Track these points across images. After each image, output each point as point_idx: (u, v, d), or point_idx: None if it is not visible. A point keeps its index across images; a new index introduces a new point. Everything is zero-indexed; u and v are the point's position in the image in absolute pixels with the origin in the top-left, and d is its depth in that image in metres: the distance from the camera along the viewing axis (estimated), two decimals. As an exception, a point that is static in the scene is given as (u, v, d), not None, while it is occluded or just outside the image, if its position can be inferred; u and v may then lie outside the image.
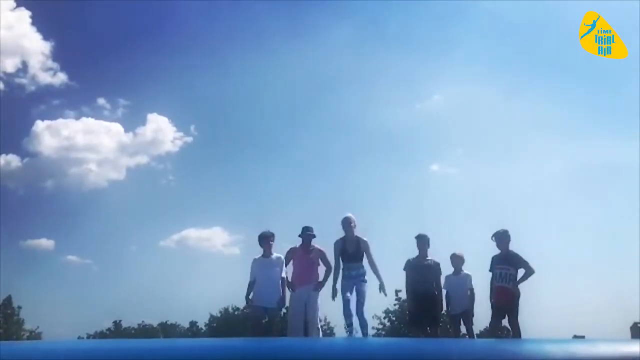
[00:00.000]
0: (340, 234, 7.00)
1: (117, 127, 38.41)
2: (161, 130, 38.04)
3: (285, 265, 7.04)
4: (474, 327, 7.62)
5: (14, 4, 31.24)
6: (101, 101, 37.27)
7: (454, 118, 36.21)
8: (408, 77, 37.01)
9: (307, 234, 7.07)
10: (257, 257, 7.12)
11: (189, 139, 36.94)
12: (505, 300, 6.82)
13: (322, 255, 7.09)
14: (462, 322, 7.58)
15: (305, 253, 7.04)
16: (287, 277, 7.04)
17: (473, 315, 7.52)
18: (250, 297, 7.00)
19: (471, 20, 33.68)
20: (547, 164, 32.75)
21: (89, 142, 40.20)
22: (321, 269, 7.07)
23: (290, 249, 7.15)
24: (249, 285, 6.99)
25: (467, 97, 33.46)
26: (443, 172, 34.62)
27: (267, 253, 7.05)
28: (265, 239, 7.04)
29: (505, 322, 7.00)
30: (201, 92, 38.98)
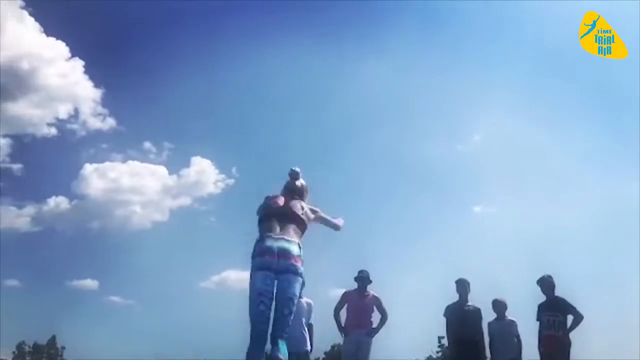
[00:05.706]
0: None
1: (161, 170, 39.91)
2: (204, 173, 39.25)
3: (340, 309, 6.87)
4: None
5: (69, 55, 34.15)
6: (147, 145, 38.89)
7: (494, 158, 35.39)
8: (449, 117, 36.76)
9: (362, 277, 6.90)
10: None
11: (231, 181, 37.83)
12: (556, 349, 6.54)
13: (377, 302, 6.90)
14: (508, 371, 7.20)
15: (360, 297, 6.86)
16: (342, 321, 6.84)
17: (521, 364, 7.14)
18: None
19: (511, 54, 33.43)
20: (591, 203, 31.25)
21: (134, 184, 41.69)
22: (375, 315, 6.89)
23: (345, 292, 6.99)
24: None
25: (507, 136, 32.82)
26: (484, 212, 33.68)
27: None
28: None
29: (555, 372, 6.62)
30: (243, 134, 40.14)
